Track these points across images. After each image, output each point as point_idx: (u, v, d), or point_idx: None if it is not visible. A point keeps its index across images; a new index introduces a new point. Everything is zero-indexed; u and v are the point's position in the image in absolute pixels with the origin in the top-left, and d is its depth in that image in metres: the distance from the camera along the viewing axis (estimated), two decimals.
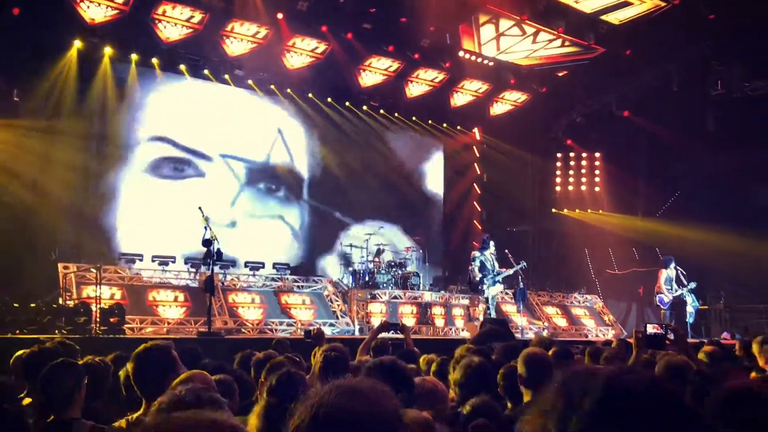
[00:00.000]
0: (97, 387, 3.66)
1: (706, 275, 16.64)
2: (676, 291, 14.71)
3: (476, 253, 13.51)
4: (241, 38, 14.31)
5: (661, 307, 14.80)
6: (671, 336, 4.47)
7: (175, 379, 2.87)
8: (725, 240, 16.00)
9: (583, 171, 20.40)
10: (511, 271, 13.55)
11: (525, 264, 13.74)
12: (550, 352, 4.65)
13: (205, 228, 9.22)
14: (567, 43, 16.31)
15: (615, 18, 15.57)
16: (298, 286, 13.77)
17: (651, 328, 4.55)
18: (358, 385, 1.39)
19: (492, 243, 13.54)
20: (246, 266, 13.69)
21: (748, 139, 16.96)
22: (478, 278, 13.24)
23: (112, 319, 9.21)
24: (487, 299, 13.30)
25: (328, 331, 12.75)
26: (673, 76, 16.85)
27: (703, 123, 17.50)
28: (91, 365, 3.77)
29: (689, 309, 14.69)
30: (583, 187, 20.34)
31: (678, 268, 14.91)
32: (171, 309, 11.77)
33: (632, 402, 1.08)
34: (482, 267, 13.27)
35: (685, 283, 14.82)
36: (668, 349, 4.72)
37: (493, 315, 13.16)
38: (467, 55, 16.44)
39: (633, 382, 1.12)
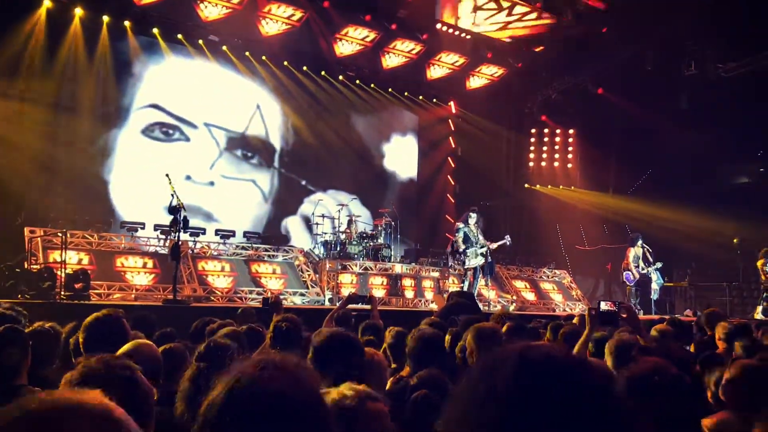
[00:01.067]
0: (46, 354, 3.65)
1: (674, 253, 16.93)
2: (643, 269, 14.92)
3: (460, 224, 13.62)
4: (216, 3, 14.10)
5: (628, 283, 15.03)
6: (623, 314, 4.54)
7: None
8: (693, 218, 16.26)
9: (557, 147, 20.53)
10: (495, 245, 13.63)
11: (509, 238, 13.81)
12: (505, 327, 4.73)
13: (172, 195, 9.15)
14: (544, 17, 16.25)
15: None
16: (269, 256, 13.77)
17: (604, 306, 4.62)
18: (279, 363, 1.37)
19: (475, 215, 13.60)
20: (216, 234, 13.64)
21: (720, 119, 17.15)
22: (461, 249, 13.38)
23: (76, 285, 9.15)
24: (474, 270, 13.41)
25: (298, 301, 12.83)
26: (648, 56, 16.91)
27: (677, 102, 17.66)
28: (39, 332, 3.76)
29: (654, 286, 14.94)
30: (556, 164, 20.49)
31: (645, 246, 15.12)
32: (139, 275, 11.72)
33: (543, 380, 1.02)
34: (465, 238, 13.38)
35: (651, 261, 15.04)
36: (622, 326, 4.82)
37: (476, 287, 13.32)
38: (445, 28, 16.37)
39: (544, 357, 1.06)
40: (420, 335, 4.01)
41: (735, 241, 15.21)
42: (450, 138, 19.80)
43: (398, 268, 14.80)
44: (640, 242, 15.06)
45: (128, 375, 1.90)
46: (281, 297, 9.07)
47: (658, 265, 15.04)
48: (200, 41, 15.01)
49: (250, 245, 13.83)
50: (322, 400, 1.40)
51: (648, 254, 15.03)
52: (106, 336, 3.15)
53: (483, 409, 1.03)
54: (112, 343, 3.05)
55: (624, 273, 15.06)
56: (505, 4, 15.57)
